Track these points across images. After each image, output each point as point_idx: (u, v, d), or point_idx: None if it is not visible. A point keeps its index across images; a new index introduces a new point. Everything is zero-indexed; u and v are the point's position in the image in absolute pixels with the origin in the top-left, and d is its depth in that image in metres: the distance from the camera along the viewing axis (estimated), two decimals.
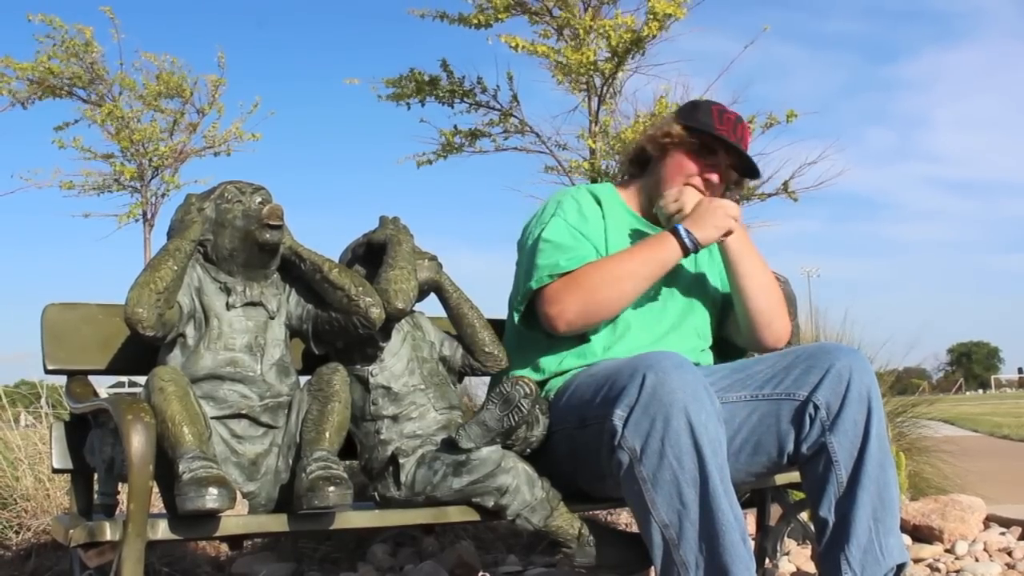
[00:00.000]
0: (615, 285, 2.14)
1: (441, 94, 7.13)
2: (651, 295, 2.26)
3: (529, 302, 2.19)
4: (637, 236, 2.31)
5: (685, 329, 2.31)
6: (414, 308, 2.13)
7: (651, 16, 6.34)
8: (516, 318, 2.21)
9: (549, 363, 2.21)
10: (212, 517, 1.74)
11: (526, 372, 2.22)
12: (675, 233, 2.18)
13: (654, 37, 6.44)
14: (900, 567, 1.99)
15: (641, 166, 2.42)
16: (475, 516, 2.00)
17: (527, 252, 2.25)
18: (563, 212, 2.26)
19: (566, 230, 2.23)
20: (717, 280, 2.42)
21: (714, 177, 2.30)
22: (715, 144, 2.29)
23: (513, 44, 6.64)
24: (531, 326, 2.21)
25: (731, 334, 2.42)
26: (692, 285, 2.36)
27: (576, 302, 2.13)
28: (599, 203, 2.32)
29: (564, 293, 2.13)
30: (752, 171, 2.38)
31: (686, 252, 2.18)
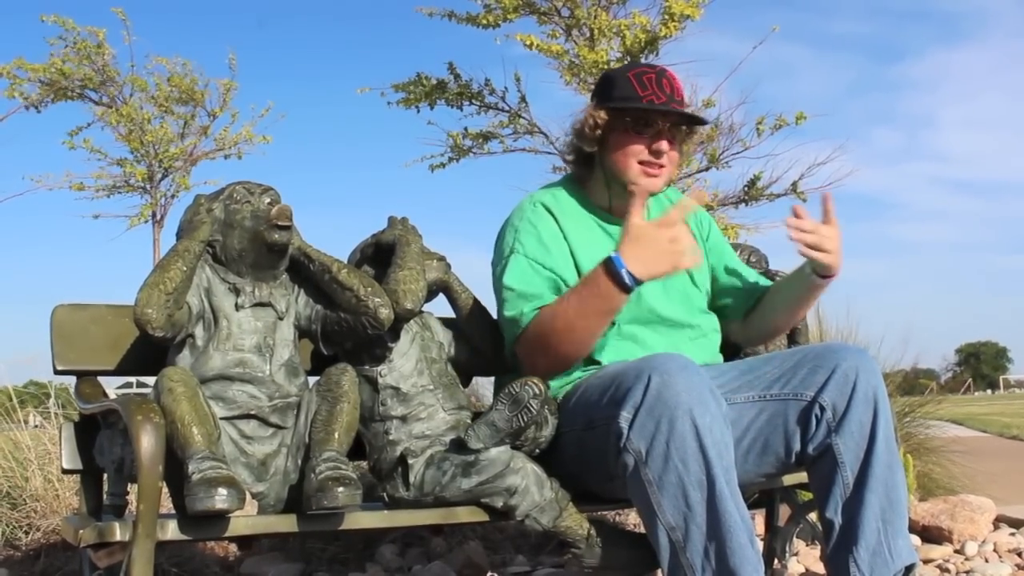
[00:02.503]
0: (570, 337, 2.04)
1: (450, 97, 7.13)
2: (652, 307, 2.20)
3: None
4: (604, 235, 2.23)
5: (692, 331, 2.29)
6: (423, 308, 2.13)
7: (668, 16, 6.33)
8: (513, 365, 2.18)
9: (558, 380, 2.17)
10: (221, 517, 1.74)
11: None
12: (609, 268, 1.96)
13: (670, 37, 6.42)
14: (909, 568, 1.98)
15: (586, 164, 2.29)
16: (484, 517, 2.00)
17: (497, 292, 2.19)
18: (521, 246, 2.15)
19: (527, 269, 2.13)
20: (708, 274, 2.38)
21: (663, 145, 2.16)
22: (647, 114, 2.16)
23: (528, 42, 6.63)
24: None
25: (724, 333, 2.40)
26: (691, 286, 2.32)
27: (542, 359, 2.08)
28: (555, 217, 2.21)
29: (529, 352, 2.09)
30: (696, 119, 2.25)
31: (625, 290, 1.96)
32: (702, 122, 2.29)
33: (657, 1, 6.58)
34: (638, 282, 1.96)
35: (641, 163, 2.18)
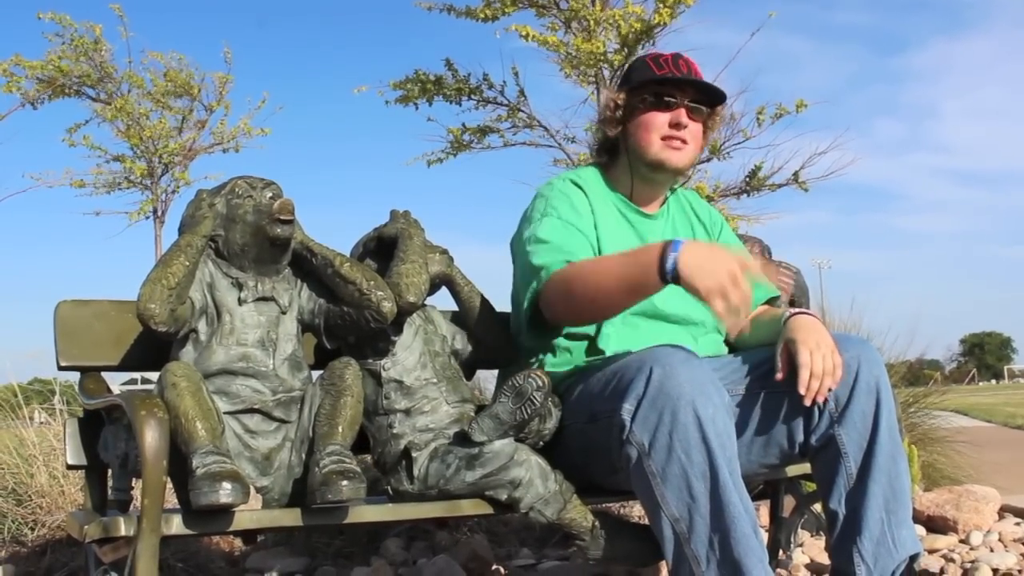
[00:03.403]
0: (596, 304, 2.02)
1: (448, 92, 7.13)
2: (656, 302, 2.15)
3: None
4: (625, 223, 2.26)
5: (697, 328, 2.28)
6: (426, 302, 2.13)
7: (661, 3, 6.34)
8: (525, 327, 2.15)
9: (560, 372, 2.16)
10: (226, 512, 1.74)
11: None
12: (665, 246, 1.85)
13: (665, 25, 6.42)
14: (913, 558, 1.98)
15: (611, 152, 2.32)
16: (488, 509, 2.00)
17: (523, 253, 2.16)
18: (554, 209, 2.17)
19: (560, 226, 2.14)
20: None
21: (682, 115, 2.17)
22: (665, 88, 2.18)
23: (524, 33, 6.63)
24: (538, 329, 2.15)
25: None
26: None
27: (565, 312, 2.07)
28: (584, 192, 2.24)
29: (551, 301, 2.07)
30: (716, 95, 2.23)
31: (662, 274, 1.83)
32: (720, 95, 2.24)
33: None
34: (677, 275, 1.82)
35: (664, 138, 2.19)
